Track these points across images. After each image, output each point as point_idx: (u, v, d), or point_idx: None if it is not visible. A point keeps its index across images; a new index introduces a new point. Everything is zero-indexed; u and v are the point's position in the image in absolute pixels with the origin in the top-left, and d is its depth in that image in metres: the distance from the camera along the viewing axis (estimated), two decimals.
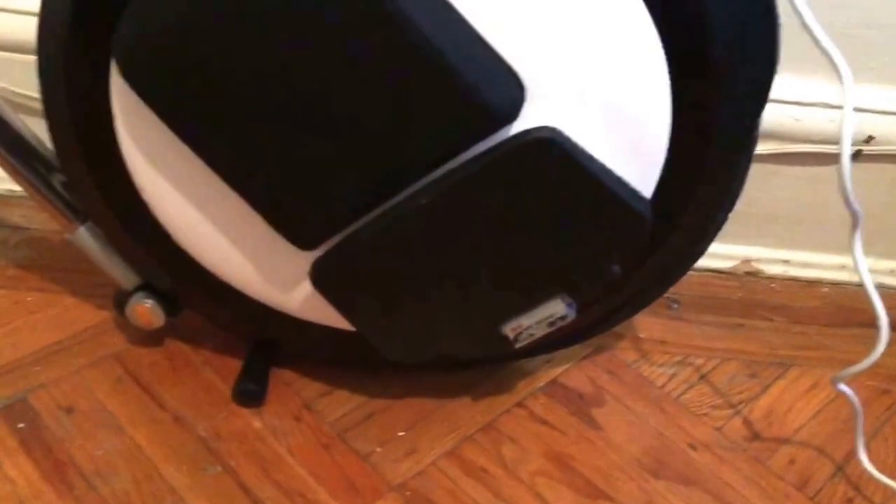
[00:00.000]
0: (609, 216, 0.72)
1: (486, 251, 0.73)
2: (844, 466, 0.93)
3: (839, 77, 0.72)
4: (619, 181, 0.71)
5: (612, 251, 0.75)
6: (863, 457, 0.89)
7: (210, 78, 0.65)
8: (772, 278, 1.22)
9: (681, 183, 0.76)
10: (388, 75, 0.63)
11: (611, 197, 0.70)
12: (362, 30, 0.61)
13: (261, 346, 0.95)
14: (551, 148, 0.67)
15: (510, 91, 0.66)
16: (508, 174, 0.68)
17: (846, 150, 0.72)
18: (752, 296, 1.18)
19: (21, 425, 0.85)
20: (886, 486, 0.89)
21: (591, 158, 0.69)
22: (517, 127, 0.67)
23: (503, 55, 0.65)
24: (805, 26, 0.70)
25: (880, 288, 1.20)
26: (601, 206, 0.71)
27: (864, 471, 0.89)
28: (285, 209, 0.71)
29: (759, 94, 0.73)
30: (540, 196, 0.70)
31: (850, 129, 0.72)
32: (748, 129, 0.76)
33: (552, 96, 0.67)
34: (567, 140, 0.67)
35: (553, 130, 0.67)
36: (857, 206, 0.75)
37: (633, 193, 0.72)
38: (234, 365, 0.94)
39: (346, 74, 0.63)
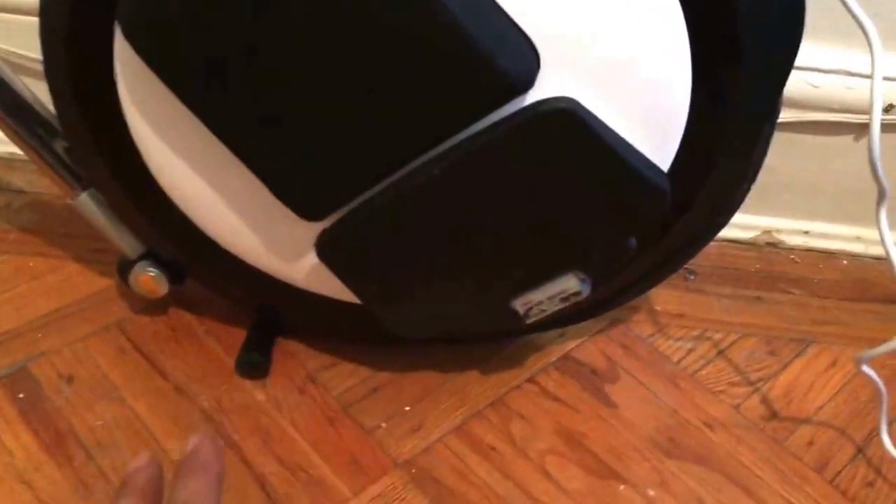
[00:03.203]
0: (626, 190, 0.69)
1: (497, 224, 0.70)
2: (865, 448, 0.90)
3: (869, 44, 0.69)
4: (636, 154, 0.68)
5: (629, 226, 0.72)
6: (885, 439, 0.86)
7: (216, 43, 0.62)
8: (791, 249, 1.19)
9: (702, 154, 0.73)
10: (399, 41, 0.59)
11: (628, 170, 0.67)
12: None
13: (265, 316, 0.93)
14: (568, 119, 0.64)
15: (525, 58, 0.63)
16: (522, 145, 0.65)
17: (876, 121, 0.69)
18: (770, 267, 1.15)
19: (21, 395, 0.84)
20: None
21: (608, 130, 0.66)
22: (532, 97, 0.64)
23: (517, 20, 0.62)
24: None
25: None
26: (617, 179, 0.68)
27: (886, 453, 0.87)
28: (291, 179, 0.69)
29: (784, 59, 0.70)
30: (554, 168, 0.67)
31: (880, 98, 0.69)
32: (772, 96, 0.73)
33: (568, 65, 0.64)
34: (584, 110, 0.64)
35: (570, 101, 0.64)
36: (885, 180, 0.73)
37: (651, 166, 0.69)
38: (238, 335, 0.92)
39: (356, 39, 0.60)
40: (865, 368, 0.81)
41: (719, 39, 0.66)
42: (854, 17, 0.68)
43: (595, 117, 0.65)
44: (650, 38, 0.64)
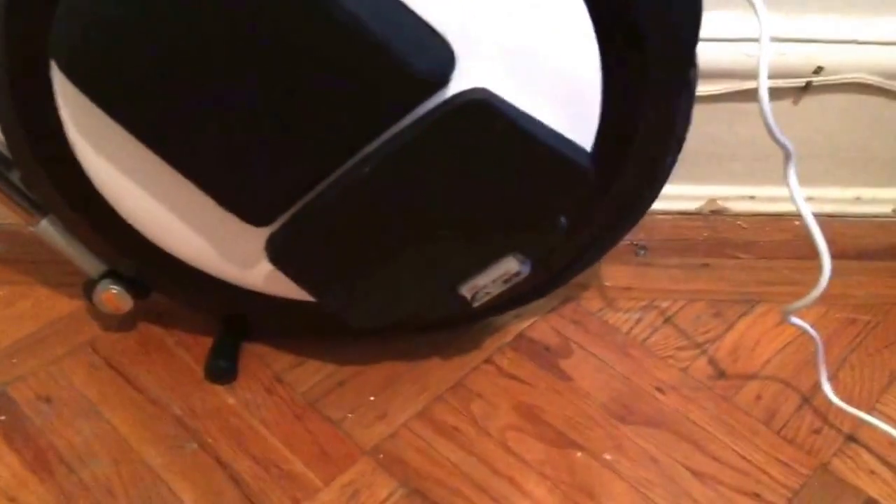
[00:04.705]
0: (549, 171, 0.72)
1: (432, 215, 0.74)
2: (811, 398, 0.94)
3: (754, 10, 0.73)
4: (555, 135, 0.72)
5: (557, 205, 0.75)
6: (826, 388, 0.90)
7: (144, 66, 0.65)
8: (738, 215, 1.23)
9: (621, 129, 0.77)
10: (318, 51, 0.63)
11: (548, 152, 0.71)
12: (287, 8, 0.62)
13: (230, 322, 0.96)
14: (483, 109, 0.68)
15: (438, 56, 0.66)
16: (444, 138, 0.69)
17: (764, 85, 0.73)
18: (718, 234, 1.19)
19: (2, 418, 0.87)
20: (853, 416, 0.90)
21: (525, 116, 0.69)
22: (451, 90, 0.68)
23: (427, 20, 0.65)
24: None
25: (843, 217, 1.22)
26: (540, 161, 0.72)
27: (832, 402, 0.90)
28: (234, 189, 0.72)
29: (690, 27, 0.73)
30: (478, 157, 0.70)
31: (767, 61, 0.73)
32: (684, 67, 0.77)
33: (481, 57, 0.68)
34: (499, 100, 0.68)
35: (484, 91, 0.68)
36: (785, 140, 0.77)
37: (572, 146, 0.73)
38: (207, 343, 0.96)
39: (278, 52, 0.64)
40: (794, 320, 0.85)
41: (620, 15, 0.70)
42: None
43: (510, 105, 0.69)
44: (555, 23, 0.68)
